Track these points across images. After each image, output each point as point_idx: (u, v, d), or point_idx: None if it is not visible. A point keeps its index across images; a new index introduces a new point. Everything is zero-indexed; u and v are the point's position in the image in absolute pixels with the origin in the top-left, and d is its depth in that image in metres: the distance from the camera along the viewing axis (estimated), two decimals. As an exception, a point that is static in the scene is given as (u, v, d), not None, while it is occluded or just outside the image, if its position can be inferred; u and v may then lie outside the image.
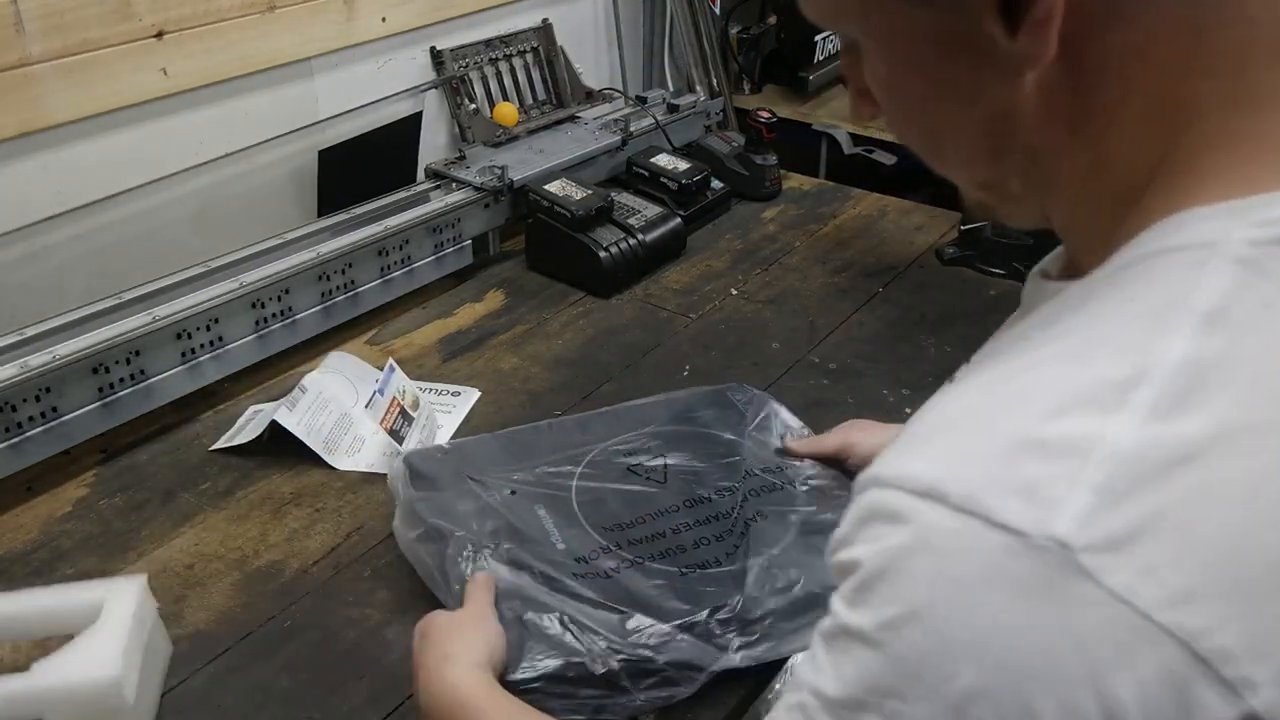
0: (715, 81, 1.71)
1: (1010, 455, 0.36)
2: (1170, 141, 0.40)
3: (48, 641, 0.72)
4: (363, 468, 0.97)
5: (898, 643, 0.37)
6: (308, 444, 0.96)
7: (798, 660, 0.43)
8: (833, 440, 0.90)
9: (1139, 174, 0.41)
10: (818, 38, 1.87)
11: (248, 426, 1.01)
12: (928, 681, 0.36)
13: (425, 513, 0.80)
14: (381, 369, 1.05)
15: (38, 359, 0.93)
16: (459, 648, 0.68)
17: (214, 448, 1.00)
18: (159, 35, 1.08)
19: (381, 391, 1.02)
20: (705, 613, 0.72)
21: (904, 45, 0.43)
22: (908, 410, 1.03)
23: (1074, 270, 0.46)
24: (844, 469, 0.89)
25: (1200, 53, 0.38)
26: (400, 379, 1.04)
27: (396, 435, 0.99)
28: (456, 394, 1.09)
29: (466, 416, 1.05)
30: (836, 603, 0.40)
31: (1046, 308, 0.44)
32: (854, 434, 0.89)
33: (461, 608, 0.72)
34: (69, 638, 0.70)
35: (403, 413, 1.01)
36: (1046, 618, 0.34)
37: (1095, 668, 0.34)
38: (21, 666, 0.69)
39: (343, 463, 0.97)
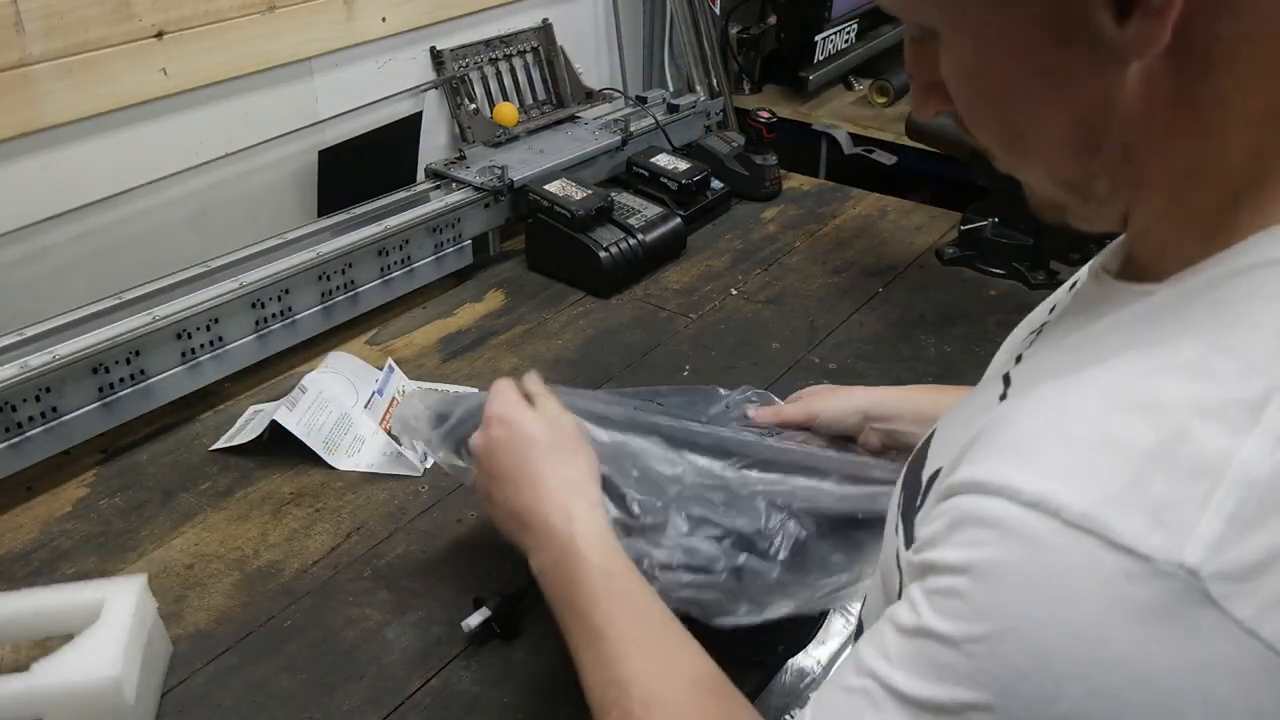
0: (715, 81, 1.71)
1: (1134, 472, 0.34)
2: (1278, 145, 0.38)
3: (48, 641, 0.72)
4: (363, 468, 0.97)
5: (992, 660, 0.35)
6: (308, 444, 0.96)
7: (861, 642, 0.43)
8: (796, 410, 0.86)
9: (1241, 178, 0.39)
10: (818, 38, 1.87)
11: (247, 426, 1.01)
12: (1024, 701, 0.35)
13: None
14: (381, 369, 1.05)
15: (38, 359, 0.93)
16: (573, 475, 0.63)
17: (214, 448, 1.00)
18: (159, 35, 1.08)
19: (380, 392, 1.02)
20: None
21: (998, 30, 0.40)
22: (908, 410, 1.03)
23: (1143, 272, 0.44)
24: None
25: None
26: (399, 379, 1.04)
27: (395, 436, 0.99)
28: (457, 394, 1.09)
29: (466, 416, 1.05)
30: (920, 601, 0.38)
31: (1131, 312, 0.42)
32: (815, 402, 0.86)
33: (535, 412, 0.68)
34: (69, 637, 0.70)
35: None
36: (1165, 646, 0.33)
37: (1213, 699, 0.32)
38: (22, 666, 0.69)
39: (343, 463, 0.97)
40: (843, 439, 0.83)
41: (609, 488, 0.69)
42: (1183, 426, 0.35)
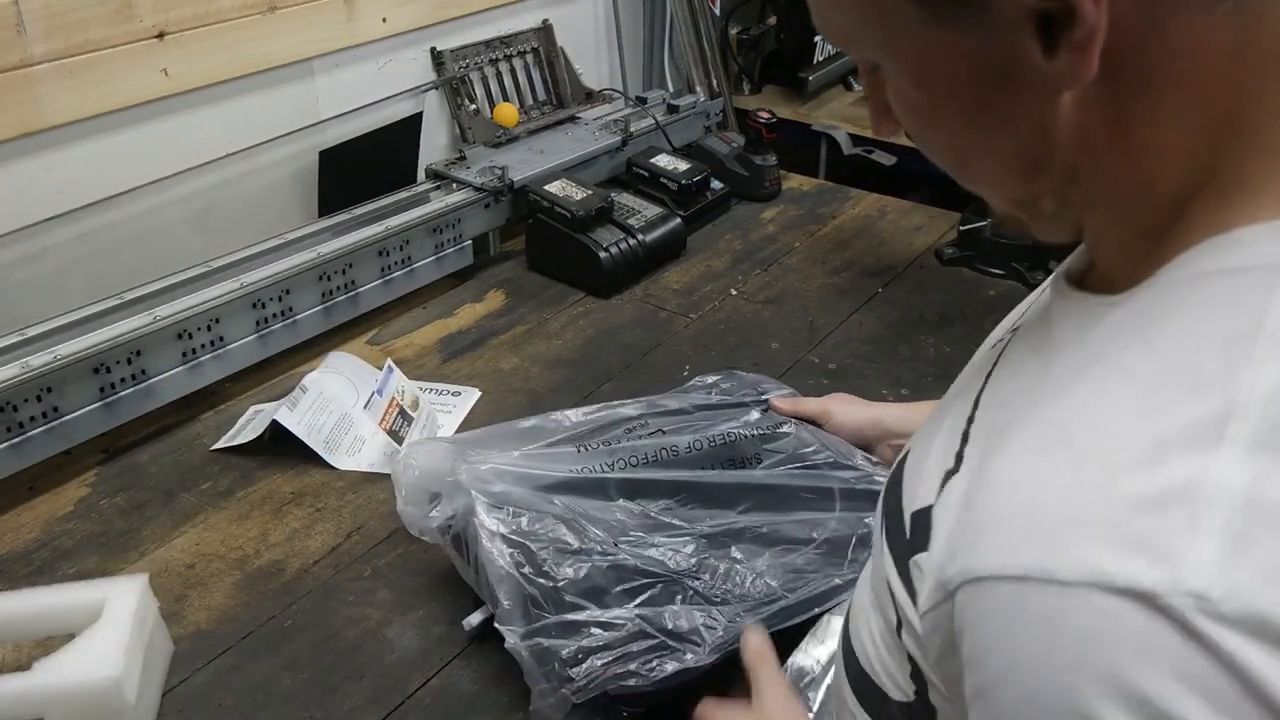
0: (715, 82, 1.71)
1: (1116, 517, 0.34)
2: (1217, 155, 0.39)
3: (49, 641, 0.73)
4: (363, 468, 0.97)
5: None
6: (308, 444, 0.97)
7: None
8: (814, 405, 0.91)
9: (1183, 190, 0.39)
10: (817, 39, 1.87)
11: (248, 426, 1.02)
12: None
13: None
14: (381, 369, 1.05)
15: (39, 359, 0.93)
16: None
17: (215, 447, 1.00)
18: (160, 36, 1.08)
19: (380, 392, 1.02)
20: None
21: (933, 68, 0.41)
22: (907, 410, 1.04)
23: (1106, 281, 0.44)
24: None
25: (1246, 63, 0.37)
26: (399, 379, 1.04)
27: (396, 435, 0.99)
28: (457, 394, 1.09)
29: (466, 416, 1.05)
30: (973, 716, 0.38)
31: (1089, 334, 0.42)
32: (834, 404, 0.91)
33: (757, 696, 0.68)
34: (70, 637, 0.70)
35: (402, 413, 1.02)
36: (1206, 664, 0.32)
37: (1256, 711, 0.32)
38: (23, 665, 0.69)
39: (343, 462, 0.97)
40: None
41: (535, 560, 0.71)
42: (1151, 459, 0.34)
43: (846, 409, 0.90)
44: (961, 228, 1.35)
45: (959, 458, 0.46)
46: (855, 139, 1.79)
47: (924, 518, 0.46)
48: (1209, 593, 0.32)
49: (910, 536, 0.47)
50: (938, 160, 0.46)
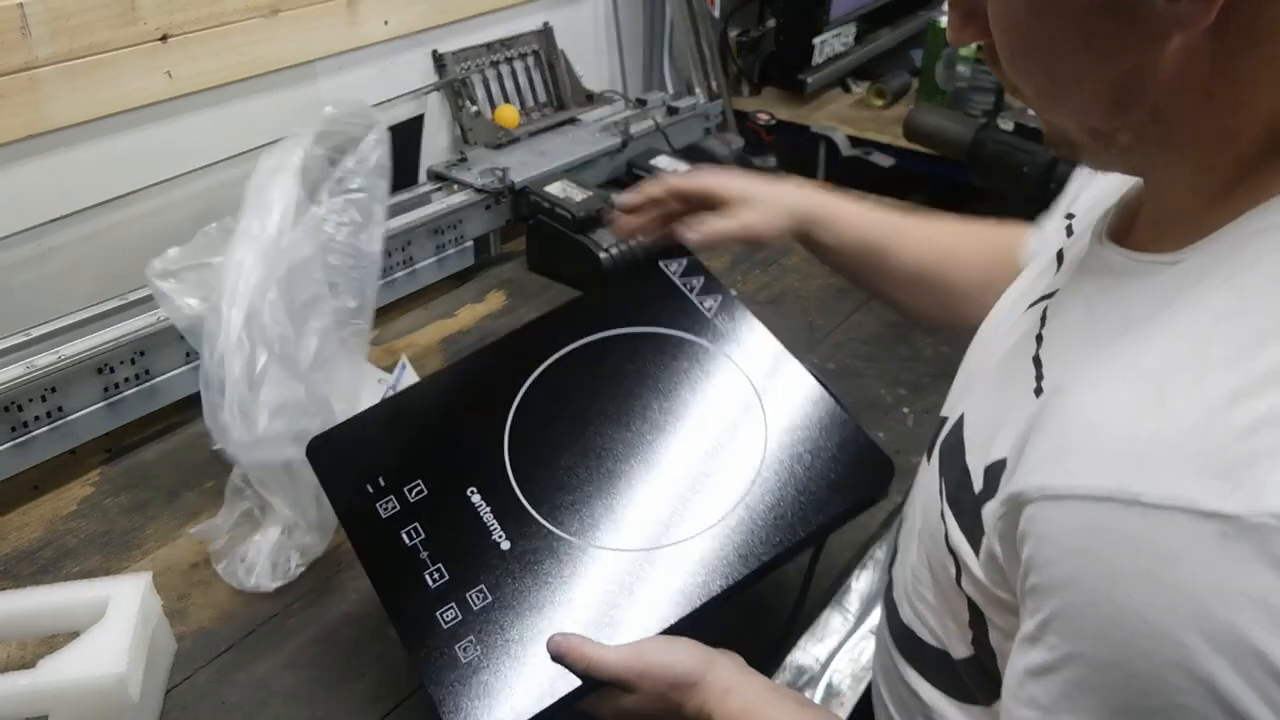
0: (714, 84, 1.72)
1: (1199, 443, 0.35)
2: None
3: (53, 639, 0.73)
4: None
5: (1136, 659, 0.36)
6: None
7: (1008, 703, 0.44)
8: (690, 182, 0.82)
9: (1261, 148, 0.41)
10: (816, 40, 1.88)
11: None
12: (1174, 684, 0.35)
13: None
14: (383, 369, 1.06)
15: (43, 359, 0.94)
16: (696, 699, 0.60)
17: (218, 446, 1.01)
18: (163, 39, 1.08)
19: (394, 388, 1.02)
20: None
21: None
22: (905, 410, 1.04)
23: (1156, 240, 0.45)
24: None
25: None
26: (411, 377, 1.04)
27: None
28: (458, 394, 1.09)
29: (468, 417, 1.06)
30: (1046, 634, 0.39)
31: (1157, 284, 0.43)
32: (746, 213, 0.81)
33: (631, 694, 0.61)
34: (74, 635, 0.70)
35: None
36: (1270, 588, 0.33)
37: None
38: (28, 664, 0.69)
39: (345, 462, 0.98)
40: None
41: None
42: (1236, 392, 0.36)
43: (760, 211, 0.80)
44: (960, 229, 1.36)
45: (1037, 401, 0.46)
46: (854, 141, 1.80)
47: (998, 469, 0.47)
48: None
49: (981, 490, 0.48)
50: (1023, 82, 0.46)
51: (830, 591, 0.85)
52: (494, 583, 0.66)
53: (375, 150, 0.90)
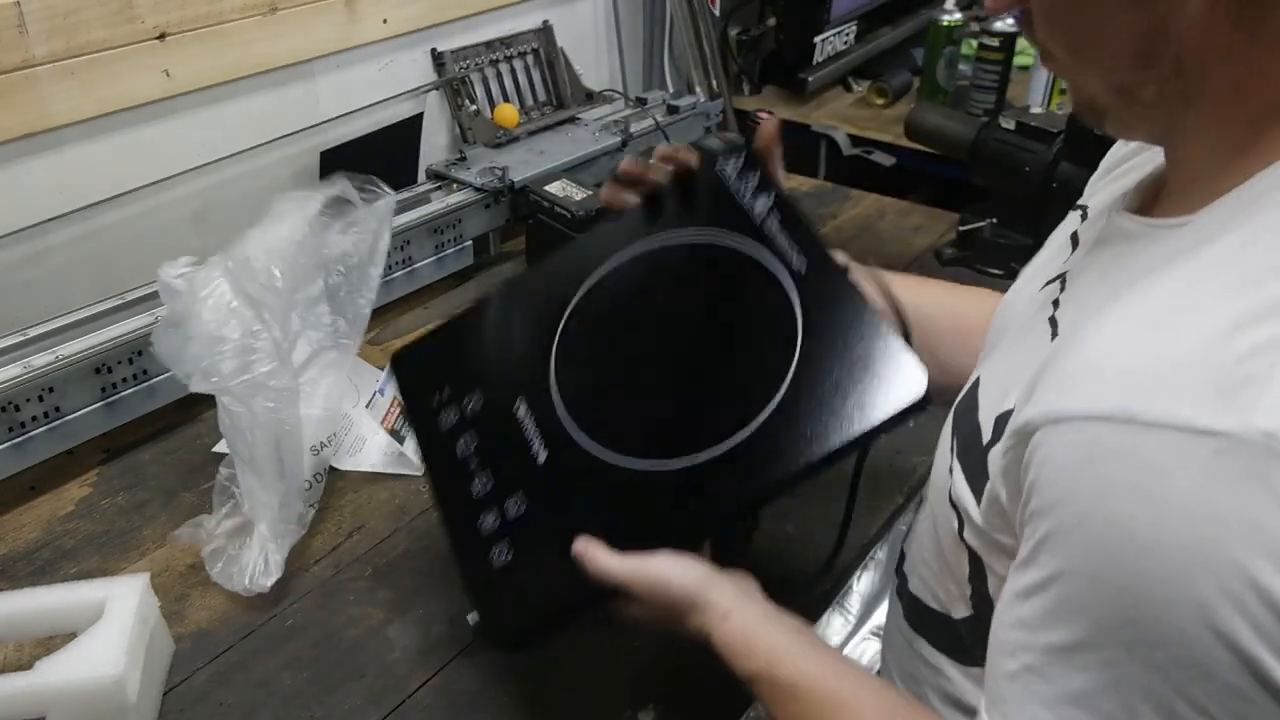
0: (715, 83, 1.71)
1: (1197, 367, 0.37)
2: None
3: (51, 640, 0.73)
4: (364, 468, 0.98)
5: (1124, 574, 0.37)
6: (309, 444, 0.97)
7: (996, 628, 0.46)
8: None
9: (1274, 109, 0.42)
10: (817, 39, 1.88)
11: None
12: (1162, 599, 0.36)
13: None
14: (383, 369, 1.06)
15: (41, 359, 0.93)
16: (705, 615, 0.60)
17: (216, 448, 1.00)
18: (161, 37, 1.08)
19: (382, 391, 1.02)
20: None
21: None
22: (906, 410, 1.04)
23: (1172, 206, 0.47)
24: None
25: None
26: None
27: (397, 435, 0.99)
28: (457, 394, 1.09)
29: (467, 416, 1.06)
30: (1038, 553, 0.40)
31: (1169, 241, 0.45)
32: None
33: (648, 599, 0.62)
34: (72, 636, 0.70)
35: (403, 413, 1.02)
36: (1273, 499, 0.35)
37: None
38: (25, 665, 0.69)
39: (344, 462, 0.98)
40: None
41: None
42: (1237, 322, 0.37)
43: None
44: (960, 228, 1.36)
45: (1050, 347, 0.47)
46: (854, 140, 1.79)
47: (1006, 417, 0.48)
48: (1278, 431, 0.34)
49: (989, 440, 0.50)
50: (1055, 39, 0.48)
51: (831, 593, 0.85)
52: (529, 493, 0.67)
53: (386, 202, 0.96)
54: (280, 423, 0.82)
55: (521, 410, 0.71)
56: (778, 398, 0.62)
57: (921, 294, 0.76)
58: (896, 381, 0.59)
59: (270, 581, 0.81)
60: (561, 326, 0.74)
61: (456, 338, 0.80)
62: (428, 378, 0.78)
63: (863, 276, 0.67)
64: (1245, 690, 0.36)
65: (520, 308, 0.80)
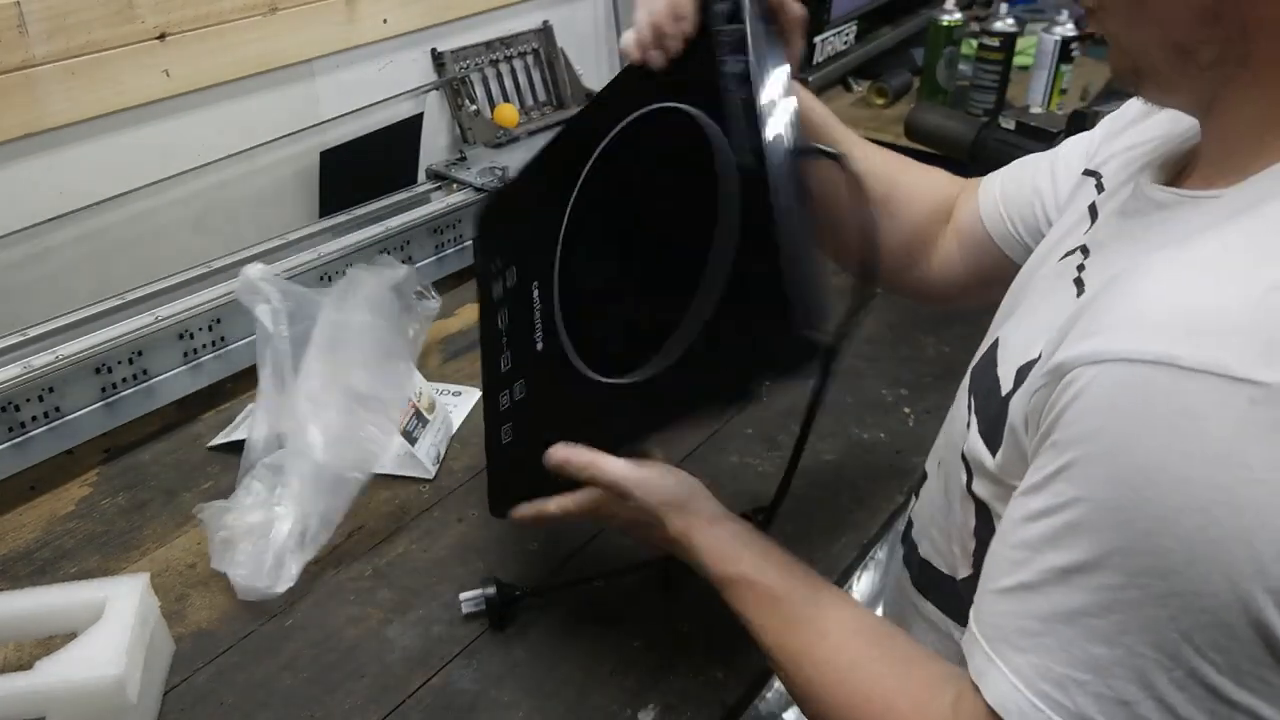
0: (715, 83, 1.71)
1: (1239, 317, 0.37)
2: None
3: (51, 640, 0.73)
4: (375, 469, 0.97)
5: (1144, 506, 0.38)
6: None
7: (997, 545, 0.47)
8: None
9: None
10: (816, 39, 1.87)
11: (245, 423, 1.02)
12: (1177, 534, 0.37)
13: None
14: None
15: (41, 359, 0.93)
16: (687, 520, 0.63)
17: (212, 444, 1.01)
18: (161, 37, 1.08)
19: None
20: None
21: None
22: (906, 410, 1.04)
23: (1204, 182, 0.47)
24: None
25: None
26: (419, 381, 1.03)
27: (409, 437, 0.99)
28: (458, 394, 1.09)
29: (467, 416, 1.06)
30: (1057, 479, 0.41)
31: (1204, 209, 0.45)
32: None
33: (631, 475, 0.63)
34: (72, 636, 0.70)
35: (418, 414, 1.01)
36: None
37: None
38: (25, 665, 0.69)
39: (351, 464, 0.97)
40: None
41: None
42: (1275, 280, 0.37)
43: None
44: (961, 228, 1.35)
45: (1078, 302, 0.48)
46: (855, 140, 1.79)
47: (1030, 365, 0.49)
48: None
49: (1010, 390, 0.51)
50: None
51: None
52: (527, 380, 0.69)
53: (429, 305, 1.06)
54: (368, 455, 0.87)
55: (535, 294, 0.71)
56: (692, 333, 0.57)
57: (883, 163, 0.79)
58: (787, 348, 0.52)
59: (283, 590, 0.81)
60: (570, 206, 0.70)
61: (511, 202, 0.80)
62: (489, 245, 0.80)
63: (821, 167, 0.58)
64: (1237, 630, 0.37)
65: (546, 178, 0.76)
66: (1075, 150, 0.70)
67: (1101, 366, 0.40)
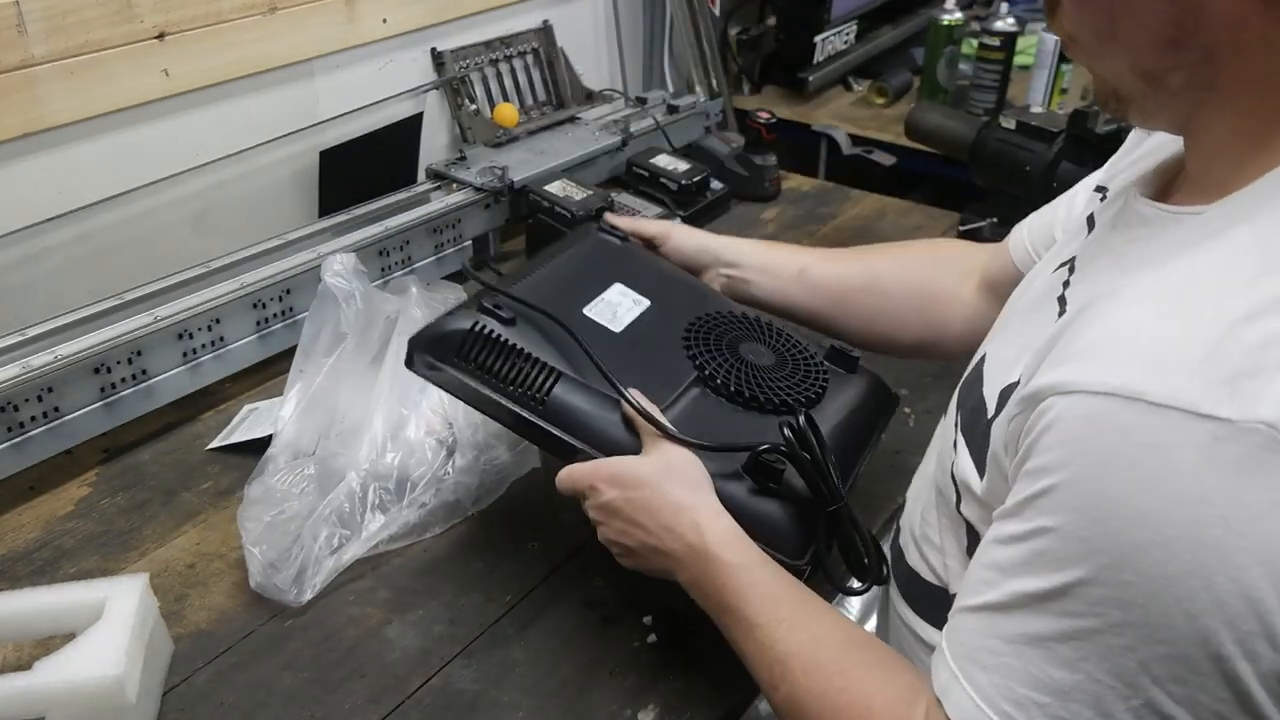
0: (715, 82, 1.71)
1: (1206, 353, 0.37)
2: None
3: (50, 640, 0.73)
4: (363, 467, 0.97)
5: (1106, 537, 0.38)
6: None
7: (973, 568, 0.48)
8: (654, 227, 0.95)
9: None
10: (817, 39, 1.88)
11: (243, 425, 1.02)
12: (1137, 568, 0.38)
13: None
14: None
15: (40, 359, 0.93)
16: (687, 495, 0.66)
17: (210, 446, 1.00)
18: (160, 36, 1.08)
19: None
20: None
21: None
22: (906, 410, 1.04)
23: (1190, 195, 0.48)
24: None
25: None
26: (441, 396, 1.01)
27: (452, 462, 0.96)
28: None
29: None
30: (1026, 507, 0.42)
31: (1184, 229, 0.45)
32: (674, 229, 0.95)
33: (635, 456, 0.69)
34: (71, 636, 0.70)
35: (450, 429, 0.99)
36: (1260, 494, 0.36)
37: None
38: (24, 665, 0.69)
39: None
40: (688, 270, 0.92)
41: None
42: (1252, 311, 0.38)
43: (684, 234, 0.94)
44: (960, 228, 1.36)
45: (1058, 323, 0.49)
46: (855, 139, 1.79)
47: (1011, 389, 0.50)
48: (1277, 422, 0.36)
49: (993, 414, 0.52)
50: (1084, 24, 0.48)
51: (829, 595, 0.85)
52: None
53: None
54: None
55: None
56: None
57: (848, 262, 0.89)
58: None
59: (305, 599, 0.81)
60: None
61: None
62: None
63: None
64: (1197, 663, 0.37)
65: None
66: (1098, 172, 0.72)
67: (1073, 398, 0.40)
